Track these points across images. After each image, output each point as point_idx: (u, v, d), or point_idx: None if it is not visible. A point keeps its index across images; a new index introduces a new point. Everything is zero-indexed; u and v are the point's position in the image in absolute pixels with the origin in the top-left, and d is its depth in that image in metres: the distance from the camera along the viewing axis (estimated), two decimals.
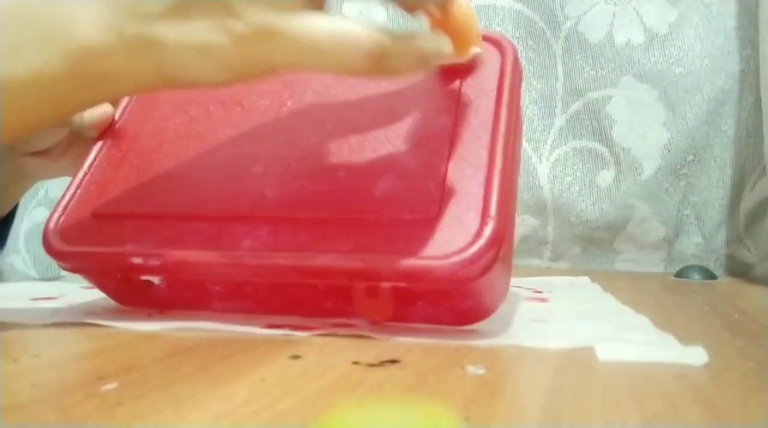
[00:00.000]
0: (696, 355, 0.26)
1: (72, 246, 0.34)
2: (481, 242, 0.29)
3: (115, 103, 0.40)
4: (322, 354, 0.26)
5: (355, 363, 0.25)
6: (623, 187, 0.72)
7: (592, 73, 0.73)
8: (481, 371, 0.24)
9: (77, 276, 0.36)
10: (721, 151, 0.71)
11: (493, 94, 0.34)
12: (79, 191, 0.36)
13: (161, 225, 0.34)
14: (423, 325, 0.32)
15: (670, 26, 0.71)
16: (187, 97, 0.39)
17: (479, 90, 0.34)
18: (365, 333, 0.30)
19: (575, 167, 0.74)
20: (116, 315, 0.34)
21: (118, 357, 0.26)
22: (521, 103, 0.37)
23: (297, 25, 0.26)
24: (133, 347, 0.27)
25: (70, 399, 0.20)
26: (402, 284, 0.29)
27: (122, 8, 0.27)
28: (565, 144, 0.74)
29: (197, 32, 0.27)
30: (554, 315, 0.37)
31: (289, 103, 0.37)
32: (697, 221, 0.72)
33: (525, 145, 0.74)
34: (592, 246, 0.75)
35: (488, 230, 0.29)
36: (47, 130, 0.42)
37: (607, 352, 0.27)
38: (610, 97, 0.73)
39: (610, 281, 0.58)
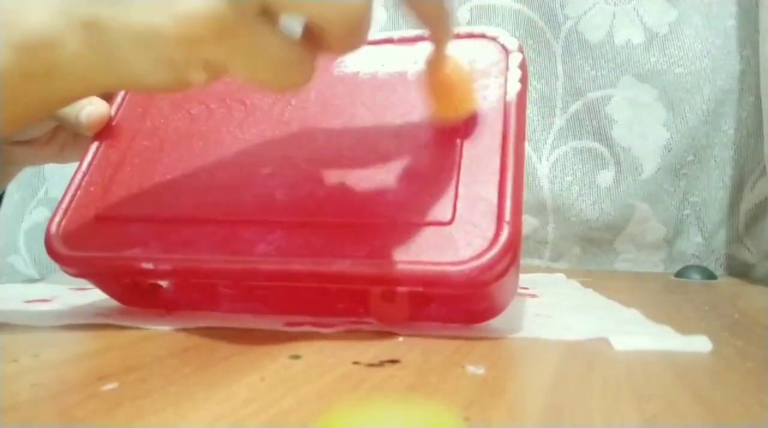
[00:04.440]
0: (701, 343, 0.28)
1: (77, 251, 0.34)
2: (498, 247, 0.28)
3: (109, 100, 0.39)
4: (322, 354, 0.26)
5: (355, 363, 0.25)
6: (623, 186, 0.72)
7: (592, 73, 0.73)
8: (481, 371, 0.24)
9: (65, 277, 0.35)
10: (721, 151, 0.71)
11: (502, 92, 0.33)
12: (79, 193, 0.36)
13: (169, 229, 0.33)
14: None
15: (670, 26, 0.71)
16: (186, 95, 0.38)
17: (488, 87, 0.34)
18: (386, 329, 0.30)
19: (575, 167, 0.74)
20: (128, 316, 0.34)
21: (118, 357, 0.26)
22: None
23: (250, 32, 0.25)
24: (133, 347, 0.27)
25: (70, 399, 0.20)
26: (419, 289, 0.29)
27: None
28: (565, 144, 0.74)
29: (140, 13, 0.26)
30: (553, 311, 0.37)
31: (293, 102, 0.36)
32: (697, 221, 0.72)
33: (525, 145, 0.74)
34: (592, 246, 0.75)
35: (504, 235, 0.29)
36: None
37: (623, 343, 0.28)
38: (610, 97, 0.73)
39: (610, 281, 0.58)
